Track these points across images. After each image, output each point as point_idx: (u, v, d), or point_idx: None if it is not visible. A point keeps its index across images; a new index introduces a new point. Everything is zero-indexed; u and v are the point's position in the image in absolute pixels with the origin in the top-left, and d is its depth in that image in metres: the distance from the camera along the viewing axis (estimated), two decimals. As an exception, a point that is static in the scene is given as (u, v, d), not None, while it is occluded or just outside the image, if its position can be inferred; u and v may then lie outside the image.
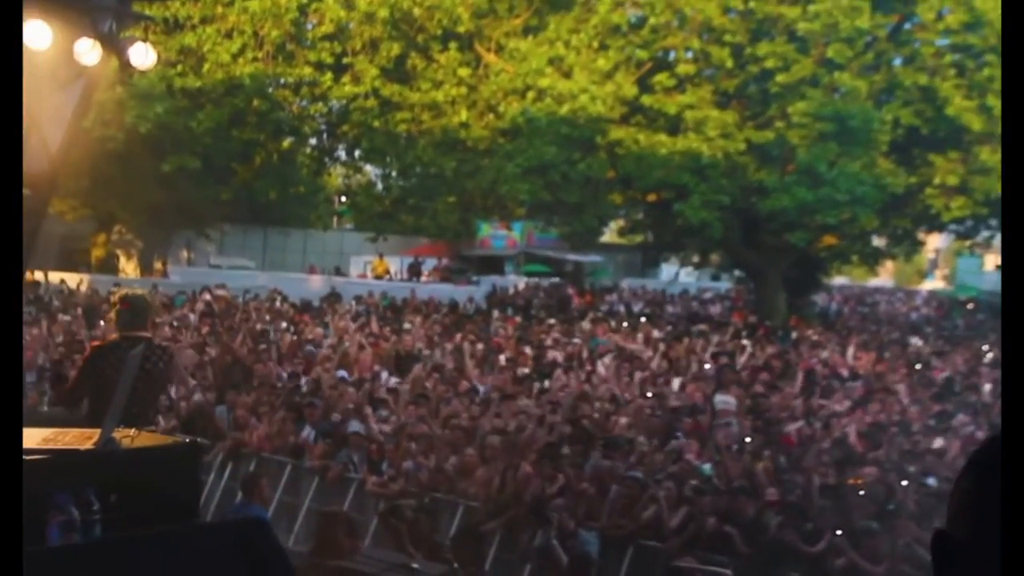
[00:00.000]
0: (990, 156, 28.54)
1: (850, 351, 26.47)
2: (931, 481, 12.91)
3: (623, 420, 15.60)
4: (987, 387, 21.57)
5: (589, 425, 15.13)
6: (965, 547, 1.59)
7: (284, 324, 24.67)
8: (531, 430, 14.64)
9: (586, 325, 28.26)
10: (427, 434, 14.16)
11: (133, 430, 4.44)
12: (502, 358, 22.23)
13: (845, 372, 23.68)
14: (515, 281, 40.26)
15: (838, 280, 48.51)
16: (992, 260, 48.24)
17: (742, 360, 22.95)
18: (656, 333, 27.91)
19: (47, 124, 9.61)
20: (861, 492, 11.38)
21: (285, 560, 4.06)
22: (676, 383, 20.13)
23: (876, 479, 12.72)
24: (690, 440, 14.19)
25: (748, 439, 14.51)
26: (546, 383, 19.04)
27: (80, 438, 4.26)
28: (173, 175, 34.74)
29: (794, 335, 31.02)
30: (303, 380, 17.58)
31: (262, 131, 35.93)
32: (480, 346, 23.57)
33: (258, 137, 36.24)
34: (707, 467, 12.97)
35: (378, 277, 41.44)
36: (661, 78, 29.17)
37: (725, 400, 16.98)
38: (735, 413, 16.28)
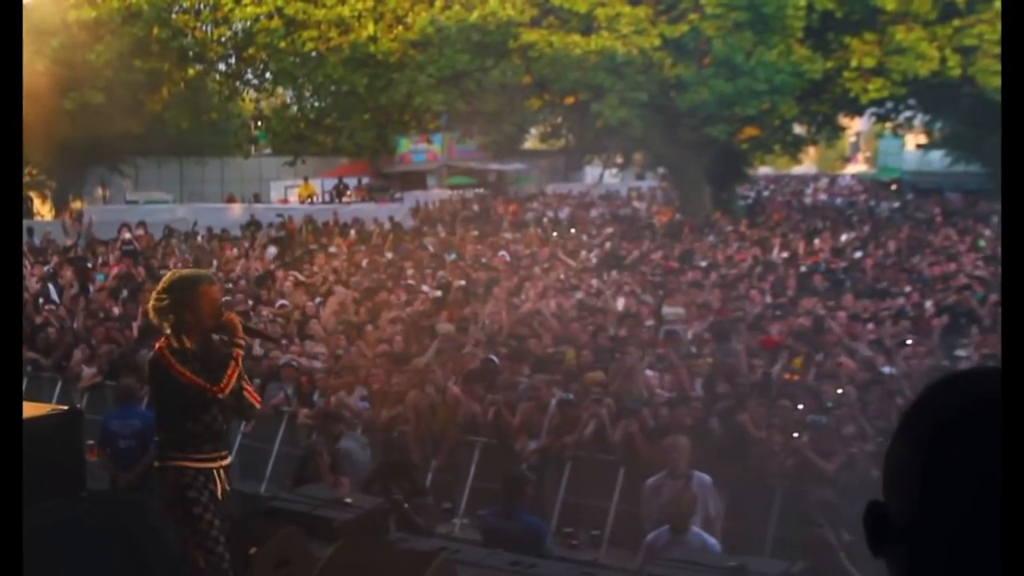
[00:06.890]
0: (905, 36, 28.27)
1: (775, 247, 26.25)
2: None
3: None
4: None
5: (519, 345, 14.86)
6: (903, 523, 1.30)
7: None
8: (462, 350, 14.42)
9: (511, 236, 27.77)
10: (355, 365, 13.91)
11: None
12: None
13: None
14: (439, 195, 39.71)
15: (762, 170, 48.48)
16: (912, 140, 48.37)
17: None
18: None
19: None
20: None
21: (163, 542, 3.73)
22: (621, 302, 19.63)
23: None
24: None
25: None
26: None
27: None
28: (78, 111, 33.56)
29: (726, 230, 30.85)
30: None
31: (166, 60, 34.71)
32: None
33: (162, 66, 35.04)
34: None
35: (303, 201, 40.65)
36: (570, -24, 28.55)
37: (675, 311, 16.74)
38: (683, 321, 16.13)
